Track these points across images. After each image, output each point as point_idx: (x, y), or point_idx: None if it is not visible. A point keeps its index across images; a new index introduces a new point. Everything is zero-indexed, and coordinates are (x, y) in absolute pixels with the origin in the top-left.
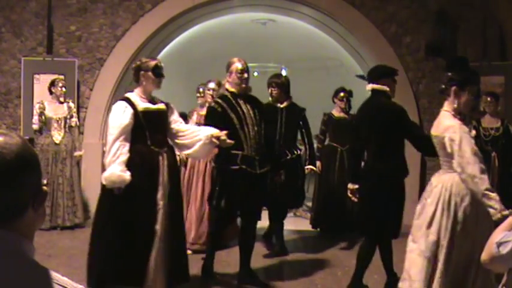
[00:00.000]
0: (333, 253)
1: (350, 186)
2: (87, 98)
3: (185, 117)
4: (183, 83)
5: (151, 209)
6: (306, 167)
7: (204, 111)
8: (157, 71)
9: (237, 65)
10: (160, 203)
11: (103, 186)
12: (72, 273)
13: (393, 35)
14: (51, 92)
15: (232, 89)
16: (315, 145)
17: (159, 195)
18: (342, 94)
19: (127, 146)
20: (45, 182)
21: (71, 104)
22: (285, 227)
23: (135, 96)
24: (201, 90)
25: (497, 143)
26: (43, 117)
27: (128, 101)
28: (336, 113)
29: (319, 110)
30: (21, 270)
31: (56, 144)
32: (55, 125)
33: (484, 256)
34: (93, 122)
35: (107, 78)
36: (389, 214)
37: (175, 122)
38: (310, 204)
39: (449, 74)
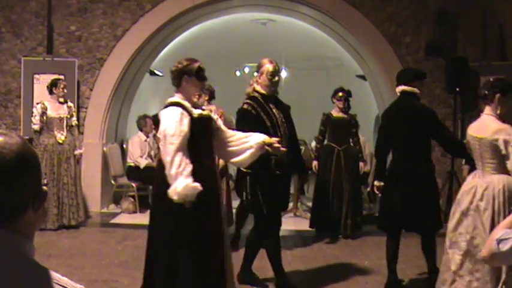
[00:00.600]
0: (333, 253)
1: (376, 183)
2: (87, 98)
3: None
4: None
5: (219, 220)
6: None
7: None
8: (202, 74)
9: (269, 67)
10: (223, 211)
11: (163, 204)
12: (72, 273)
13: (393, 35)
14: (51, 92)
15: (263, 91)
16: (313, 145)
17: (221, 203)
18: (340, 94)
19: (187, 155)
20: (45, 181)
21: (70, 104)
22: (285, 227)
23: (183, 101)
24: None
25: None
26: (44, 117)
27: (183, 107)
28: (335, 113)
29: (319, 109)
30: (21, 270)
31: (59, 144)
32: (57, 125)
33: (484, 252)
34: (93, 122)
35: (107, 78)
36: (432, 209)
37: (220, 127)
38: (310, 204)
39: (492, 80)
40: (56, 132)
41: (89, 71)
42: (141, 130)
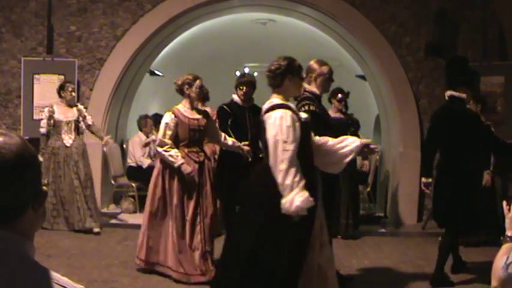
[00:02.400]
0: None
1: (424, 180)
2: (87, 98)
3: None
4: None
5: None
6: None
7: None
8: (302, 74)
9: (328, 68)
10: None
11: (266, 212)
12: (72, 273)
13: (393, 35)
14: (60, 96)
15: (317, 92)
16: None
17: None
18: (340, 95)
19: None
20: (45, 182)
21: (81, 107)
22: None
23: (289, 103)
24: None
25: None
26: (52, 120)
27: (292, 110)
28: (332, 113)
29: None
30: (21, 270)
31: (66, 147)
32: (65, 128)
33: (494, 282)
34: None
35: (107, 78)
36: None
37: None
38: None
39: None
40: (63, 136)
41: (89, 71)
42: (141, 130)
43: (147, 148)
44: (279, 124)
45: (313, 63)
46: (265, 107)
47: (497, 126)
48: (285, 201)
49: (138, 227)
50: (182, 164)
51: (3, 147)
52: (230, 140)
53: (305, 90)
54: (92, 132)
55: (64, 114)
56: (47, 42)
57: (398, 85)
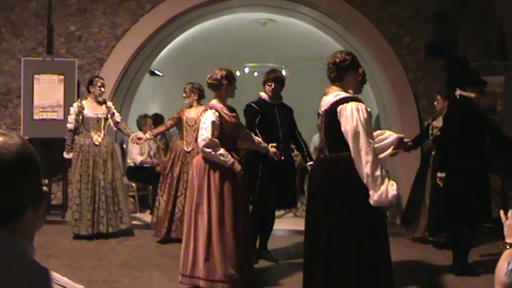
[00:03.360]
0: None
1: (439, 174)
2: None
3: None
4: (183, 83)
5: None
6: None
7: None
8: (360, 67)
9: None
10: None
11: (353, 204)
12: (72, 273)
13: (393, 35)
14: (88, 91)
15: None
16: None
17: None
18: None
19: None
20: (46, 182)
21: (110, 104)
22: (285, 227)
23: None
24: (187, 90)
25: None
26: (80, 117)
27: (363, 102)
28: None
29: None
30: (21, 270)
31: (95, 145)
32: (94, 125)
33: None
34: None
35: (107, 78)
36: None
37: None
38: None
39: None
40: (92, 133)
41: (89, 71)
42: (141, 130)
43: (147, 148)
44: (357, 116)
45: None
46: (330, 99)
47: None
48: (381, 192)
49: (138, 227)
50: (233, 162)
51: (3, 148)
52: (258, 140)
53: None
54: (120, 130)
55: (93, 110)
56: (47, 42)
57: (398, 85)
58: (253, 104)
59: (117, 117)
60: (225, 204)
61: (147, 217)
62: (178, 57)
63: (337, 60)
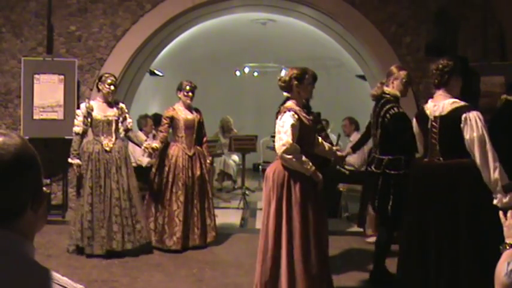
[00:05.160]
0: (331, 253)
1: None
2: (87, 98)
3: None
4: None
5: None
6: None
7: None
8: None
9: (405, 73)
10: None
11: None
12: (72, 273)
13: (393, 35)
14: (98, 89)
15: (398, 94)
16: None
17: None
18: None
19: None
20: (47, 182)
21: (122, 105)
22: None
23: None
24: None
25: None
26: (89, 119)
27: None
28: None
29: (319, 109)
30: (21, 270)
31: (106, 151)
32: (105, 129)
33: None
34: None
35: None
36: None
37: None
38: None
39: None
40: (102, 138)
41: (89, 71)
42: (141, 130)
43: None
44: (481, 125)
45: (393, 68)
46: (446, 106)
47: None
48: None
49: None
50: (315, 170)
51: (1, 148)
52: (327, 146)
53: (385, 93)
54: (129, 138)
55: (103, 112)
56: (47, 42)
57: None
58: None
59: (129, 123)
60: (309, 218)
61: None
62: (178, 57)
63: (441, 66)
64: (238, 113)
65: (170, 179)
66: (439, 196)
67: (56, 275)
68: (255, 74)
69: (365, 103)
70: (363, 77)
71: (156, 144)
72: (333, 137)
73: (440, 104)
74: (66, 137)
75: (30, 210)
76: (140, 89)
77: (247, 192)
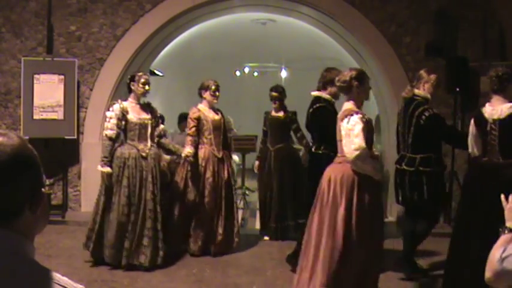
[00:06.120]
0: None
1: None
2: (87, 98)
3: (186, 117)
4: (183, 83)
5: None
6: None
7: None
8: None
9: (435, 77)
10: None
11: None
12: (72, 273)
13: (393, 35)
14: (130, 90)
15: (429, 96)
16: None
17: None
18: (273, 94)
19: None
20: (51, 182)
21: (155, 107)
22: None
23: None
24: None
25: None
26: (123, 122)
27: None
28: (273, 112)
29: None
30: (21, 270)
31: (142, 157)
32: (140, 133)
33: (488, 274)
34: (93, 122)
35: (106, 78)
36: None
37: None
38: None
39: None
40: (137, 143)
41: (89, 71)
42: None
43: None
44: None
45: (422, 72)
46: (504, 109)
47: None
48: None
49: None
50: (381, 175)
51: None
52: None
53: (416, 95)
54: (162, 145)
55: (137, 114)
56: (47, 42)
57: (398, 85)
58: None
59: (161, 129)
60: (376, 221)
61: None
62: (178, 57)
63: (500, 73)
64: (238, 113)
65: (200, 183)
66: (496, 194)
67: (56, 275)
68: (255, 74)
69: (365, 103)
70: None
71: (190, 150)
72: None
73: (498, 108)
74: (66, 137)
75: (28, 211)
76: None
77: (247, 192)
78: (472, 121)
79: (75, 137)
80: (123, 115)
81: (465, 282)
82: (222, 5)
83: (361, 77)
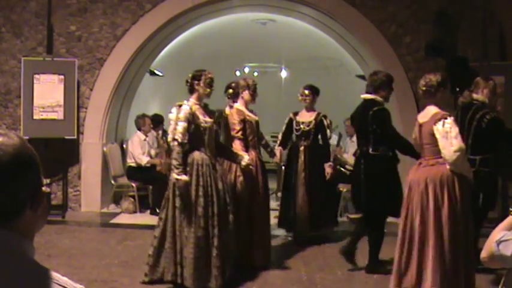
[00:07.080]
0: (332, 253)
1: None
2: (87, 98)
3: None
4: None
5: None
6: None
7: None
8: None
9: (492, 83)
10: None
11: None
12: (72, 273)
13: (393, 35)
14: (192, 90)
15: (487, 101)
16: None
17: None
18: (230, 91)
19: None
20: (47, 181)
21: (213, 109)
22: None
23: None
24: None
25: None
26: (192, 126)
27: None
28: (227, 110)
29: (319, 109)
30: (21, 270)
31: (213, 164)
32: (209, 137)
33: (484, 254)
34: (93, 122)
35: (106, 78)
36: None
37: None
38: None
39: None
40: (206, 148)
41: (89, 71)
42: (140, 129)
43: (147, 147)
44: None
45: (479, 79)
46: None
47: None
48: None
49: (138, 227)
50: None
51: (0, 149)
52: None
53: (475, 100)
54: (222, 151)
55: (204, 117)
56: (47, 42)
57: (398, 85)
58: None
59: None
60: (470, 221)
61: (147, 217)
62: (178, 57)
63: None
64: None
65: (247, 190)
66: None
67: (56, 275)
68: (255, 74)
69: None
70: (362, 77)
71: (248, 157)
72: (334, 137)
73: None
74: (66, 137)
75: (29, 210)
76: (140, 89)
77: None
78: None
79: (75, 137)
80: (193, 118)
81: None
82: (222, 5)
83: (446, 82)
